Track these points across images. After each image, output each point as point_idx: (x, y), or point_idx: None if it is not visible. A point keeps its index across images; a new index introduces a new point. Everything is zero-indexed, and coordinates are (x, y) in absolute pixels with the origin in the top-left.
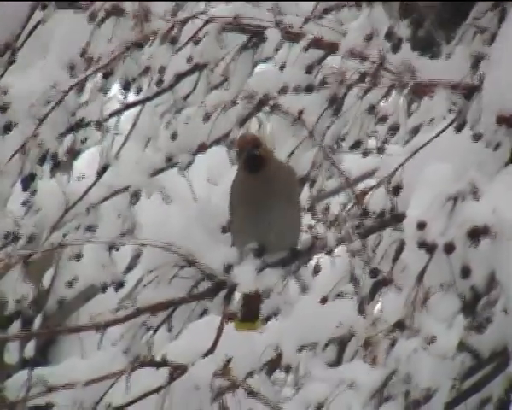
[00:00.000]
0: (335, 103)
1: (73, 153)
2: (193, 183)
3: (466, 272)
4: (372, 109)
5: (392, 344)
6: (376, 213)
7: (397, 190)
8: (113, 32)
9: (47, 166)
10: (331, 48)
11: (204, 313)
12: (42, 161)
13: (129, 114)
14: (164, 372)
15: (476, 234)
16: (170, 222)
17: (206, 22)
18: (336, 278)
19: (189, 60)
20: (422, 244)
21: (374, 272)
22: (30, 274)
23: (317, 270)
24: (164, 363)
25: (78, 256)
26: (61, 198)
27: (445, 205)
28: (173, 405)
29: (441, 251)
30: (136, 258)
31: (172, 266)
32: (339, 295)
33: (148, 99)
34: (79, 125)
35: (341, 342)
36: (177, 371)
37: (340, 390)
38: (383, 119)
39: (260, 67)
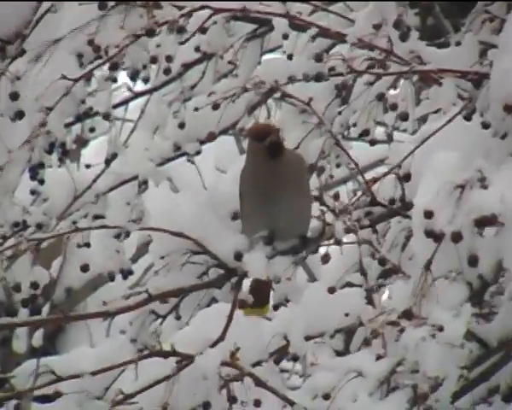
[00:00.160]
0: (344, 92)
1: (82, 142)
2: (201, 171)
3: (473, 260)
4: (381, 97)
5: (400, 333)
6: (385, 202)
7: (406, 178)
8: (123, 20)
9: (55, 155)
10: (339, 37)
11: (213, 300)
12: (50, 149)
13: (137, 103)
14: (172, 361)
15: (483, 223)
16: (179, 210)
17: (214, 12)
18: (344, 266)
19: (197, 49)
20: (430, 233)
21: (382, 261)
22: (38, 263)
23: (326, 259)
24: (172, 353)
25: (87, 245)
26: (69, 187)
27: (452, 193)
28: (181, 393)
29: (449, 240)
30: (145, 246)
31: (182, 253)
32: (347, 284)
33: (156, 88)
34: (87, 114)
35: (349, 331)
36: (185, 360)
37: (348, 379)
38: (392, 107)
39: (268, 56)
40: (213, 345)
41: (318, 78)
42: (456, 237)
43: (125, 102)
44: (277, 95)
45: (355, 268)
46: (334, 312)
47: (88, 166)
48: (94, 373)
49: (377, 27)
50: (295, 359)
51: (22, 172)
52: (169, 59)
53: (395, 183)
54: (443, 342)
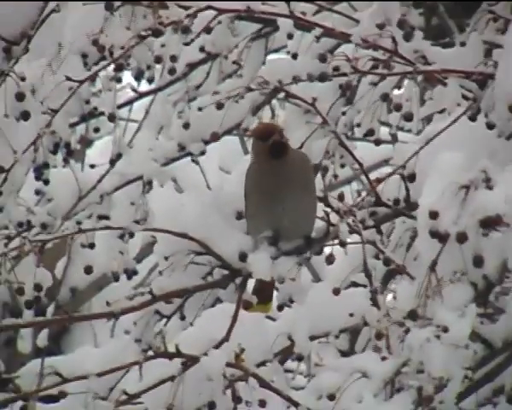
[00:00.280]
0: (348, 92)
1: (86, 142)
2: (206, 171)
3: (478, 261)
4: (385, 97)
5: (405, 333)
6: (390, 202)
7: (410, 178)
8: (129, 20)
9: (60, 155)
10: (344, 37)
11: (217, 301)
12: (55, 149)
13: (141, 103)
14: (177, 362)
15: (489, 223)
16: (183, 210)
17: (219, 12)
18: (349, 266)
19: (202, 49)
20: (435, 233)
21: (386, 261)
22: (43, 264)
23: (330, 260)
24: (177, 354)
25: (91, 245)
26: (73, 187)
27: (457, 194)
28: (186, 394)
29: (454, 240)
30: (149, 246)
31: (186, 254)
32: (352, 284)
33: (161, 88)
34: (92, 114)
35: (354, 331)
36: (190, 361)
37: (353, 380)
38: (396, 107)
39: (272, 56)
40: (218, 346)
41: (322, 78)
42: (461, 238)
43: (130, 102)
44: (281, 95)
45: (360, 268)
46: (338, 312)
47: (92, 167)
48: (99, 375)
49: (381, 27)
50: (300, 359)
51: (27, 173)
52: (174, 59)
53: (399, 183)
54: (448, 343)
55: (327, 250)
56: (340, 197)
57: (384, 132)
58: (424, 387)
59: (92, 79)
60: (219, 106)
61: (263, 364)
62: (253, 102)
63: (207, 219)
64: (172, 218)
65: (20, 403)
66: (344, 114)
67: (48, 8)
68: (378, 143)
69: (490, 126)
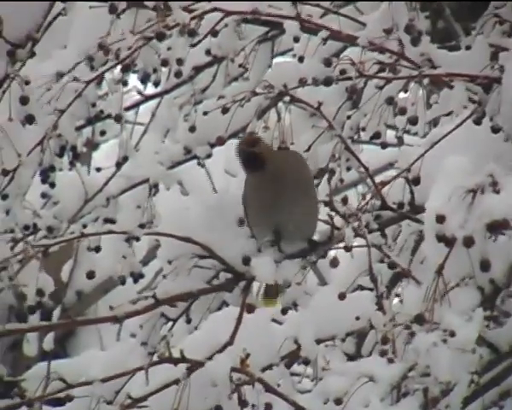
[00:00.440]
0: (354, 95)
1: (92, 145)
2: (211, 174)
3: (485, 265)
4: (390, 101)
5: (411, 337)
6: (395, 205)
7: (415, 182)
8: (134, 23)
9: (66, 159)
10: (350, 39)
11: (223, 304)
12: (61, 153)
13: (148, 106)
14: (182, 366)
15: (495, 227)
16: (188, 214)
17: (225, 14)
18: (354, 269)
19: (208, 52)
20: (442, 237)
21: (392, 265)
22: (49, 266)
23: (335, 264)
24: (182, 359)
25: (97, 248)
26: (80, 190)
27: (464, 198)
28: (191, 398)
29: (461, 244)
30: (154, 249)
31: (190, 258)
32: (358, 288)
33: (167, 91)
34: (98, 117)
35: (360, 335)
36: (195, 366)
37: (360, 384)
38: (402, 110)
39: (278, 59)
40: (222, 349)
41: (327, 82)
42: (468, 242)
43: (136, 105)
44: (287, 98)
45: (366, 272)
46: (344, 315)
47: (98, 170)
48: (104, 380)
49: (388, 32)
50: (306, 362)
51: (33, 176)
52: (180, 62)
53: (404, 186)
54: (454, 347)
55: (331, 254)
56: (345, 201)
57: (390, 135)
58: (430, 389)
59: (99, 80)
60: (225, 110)
61: (269, 367)
62: (259, 106)
63: (212, 222)
64: (177, 221)
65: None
66: (349, 117)
67: (53, 12)
68: (384, 146)
69: (495, 130)
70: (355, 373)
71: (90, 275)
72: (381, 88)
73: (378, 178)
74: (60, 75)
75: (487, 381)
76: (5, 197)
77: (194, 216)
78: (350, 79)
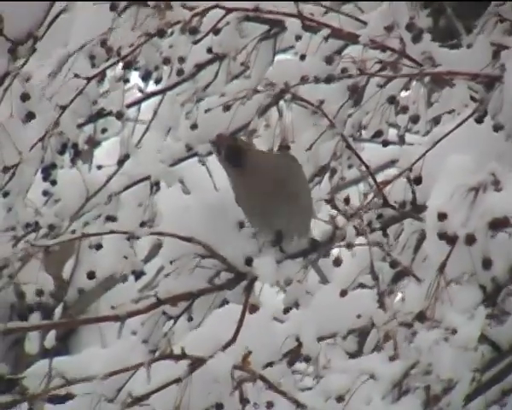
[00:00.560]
0: (356, 93)
1: (94, 143)
2: (213, 172)
3: (487, 263)
4: (392, 99)
5: (413, 336)
6: (397, 204)
7: (418, 180)
8: (135, 20)
9: (67, 156)
10: (351, 37)
11: (224, 302)
12: (62, 150)
13: (149, 104)
14: (184, 364)
15: (497, 225)
16: (189, 212)
17: (227, 12)
18: (356, 268)
19: (210, 50)
20: (443, 235)
21: (393, 264)
22: (51, 265)
23: (338, 262)
24: (183, 356)
25: (98, 246)
26: (81, 188)
27: (466, 196)
28: (193, 395)
29: (462, 242)
30: (156, 248)
31: (192, 257)
32: (360, 286)
33: (169, 89)
34: (100, 114)
35: (362, 333)
36: (197, 363)
37: (361, 382)
38: (404, 109)
39: (280, 57)
40: (224, 347)
41: (329, 80)
42: (470, 240)
43: (138, 102)
44: (289, 96)
45: (367, 271)
46: (346, 313)
47: (100, 168)
48: (105, 377)
49: (390, 29)
50: (308, 360)
51: (35, 173)
52: (182, 60)
53: (406, 185)
54: (456, 345)
55: (334, 253)
56: (347, 200)
57: (391, 133)
58: (432, 387)
59: (100, 77)
60: (226, 108)
61: (270, 365)
62: (260, 104)
63: (213, 221)
64: (178, 220)
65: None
66: (350, 115)
67: (55, 9)
68: (386, 144)
69: (497, 129)
70: (356, 371)
71: (91, 275)
72: (382, 86)
73: (379, 177)
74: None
75: (489, 378)
76: (6, 195)
77: (196, 215)
78: (351, 77)
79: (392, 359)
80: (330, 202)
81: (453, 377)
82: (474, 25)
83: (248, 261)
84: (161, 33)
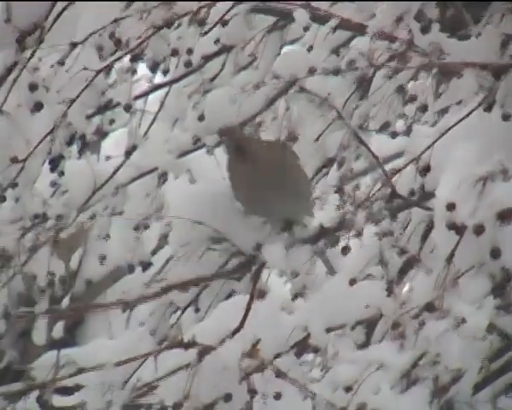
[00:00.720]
0: (363, 84)
1: (101, 134)
2: (220, 163)
3: (496, 253)
4: (401, 90)
5: (422, 325)
6: (405, 194)
7: (426, 169)
8: (142, 11)
9: (75, 147)
10: (359, 29)
11: (231, 293)
12: (70, 141)
13: (156, 95)
14: (192, 353)
15: (506, 215)
16: (198, 201)
17: (235, 3)
18: (364, 258)
19: (217, 41)
20: (452, 226)
21: (402, 252)
22: (58, 255)
23: (345, 251)
24: (192, 344)
25: (106, 237)
26: (89, 179)
27: (474, 186)
28: (201, 385)
29: (471, 232)
30: (164, 238)
31: (202, 241)
32: (368, 276)
33: (176, 80)
34: (108, 106)
35: (370, 324)
36: (206, 351)
37: (369, 372)
38: (412, 98)
39: (287, 49)
40: (232, 334)
41: (336, 71)
42: (479, 230)
43: (145, 93)
44: (296, 88)
45: (375, 261)
46: (354, 304)
47: (108, 159)
48: (116, 364)
49: (398, 19)
50: (316, 351)
51: (43, 164)
52: (190, 52)
53: (414, 175)
54: (465, 335)
55: (342, 242)
56: (356, 189)
57: (399, 124)
58: (441, 376)
59: (108, 69)
60: (234, 99)
61: (279, 356)
62: (267, 95)
63: (221, 210)
64: (186, 210)
65: (35, 394)
66: (357, 107)
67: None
68: (394, 135)
69: (505, 117)
70: (365, 361)
71: (102, 260)
72: (390, 77)
73: (387, 168)
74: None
75: (497, 368)
76: (15, 186)
77: (203, 204)
78: (359, 68)
79: (400, 347)
80: (339, 190)
81: (461, 367)
82: (481, 15)
83: (257, 247)
84: (169, 24)
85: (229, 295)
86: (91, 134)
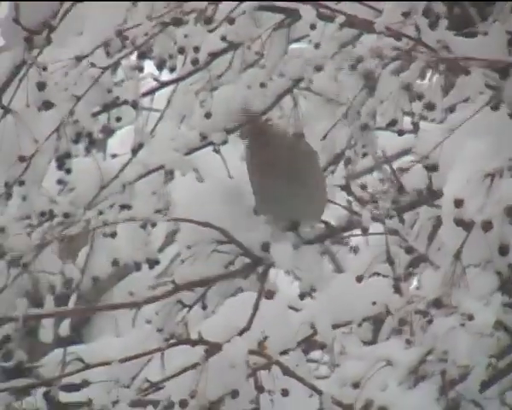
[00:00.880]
0: (371, 81)
1: (108, 131)
2: (227, 161)
3: (504, 249)
4: (408, 87)
5: (429, 322)
6: (413, 191)
7: (433, 168)
8: (150, 9)
9: (82, 145)
10: (366, 26)
11: (239, 290)
12: (77, 139)
13: (163, 93)
14: (199, 350)
15: None
16: (205, 199)
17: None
18: (371, 257)
19: (224, 38)
20: (460, 222)
21: (409, 250)
22: (65, 253)
23: (355, 250)
24: (200, 341)
25: (113, 235)
26: (96, 176)
27: (482, 182)
28: (208, 382)
29: (479, 229)
30: (172, 235)
31: (209, 243)
32: (375, 273)
33: (183, 78)
34: (115, 103)
35: (377, 321)
36: (213, 348)
37: (377, 369)
38: (419, 95)
39: (294, 46)
40: (240, 334)
41: (343, 69)
42: (487, 226)
43: (152, 91)
44: (303, 85)
45: (382, 258)
46: (361, 301)
47: (114, 156)
48: (122, 361)
49: (406, 15)
50: (323, 347)
51: (50, 162)
52: (197, 50)
53: (422, 172)
54: (472, 332)
55: (351, 241)
56: (363, 186)
57: (406, 121)
58: (448, 373)
59: (115, 66)
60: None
61: (285, 353)
62: (275, 92)
63: (228, 209)
64: (193, 208)
65: (41, 390)
66: (364, 104)
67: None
68: (401, 133)
69: None
70: (372, 358)
71: (115, 263)
72: (397, 74)
73: (394, 165)
74: (78, 59)
75: (505, 365)
76: (22, 183)
77: (211, 202)
78: (366, 64)
79: (408, 342)
80: (346, 188)
81: (469, 364)
82: (488, 12)
83: (265, 247)
84: (177, 22)
85: (236, 292)
86: (98, 132)
